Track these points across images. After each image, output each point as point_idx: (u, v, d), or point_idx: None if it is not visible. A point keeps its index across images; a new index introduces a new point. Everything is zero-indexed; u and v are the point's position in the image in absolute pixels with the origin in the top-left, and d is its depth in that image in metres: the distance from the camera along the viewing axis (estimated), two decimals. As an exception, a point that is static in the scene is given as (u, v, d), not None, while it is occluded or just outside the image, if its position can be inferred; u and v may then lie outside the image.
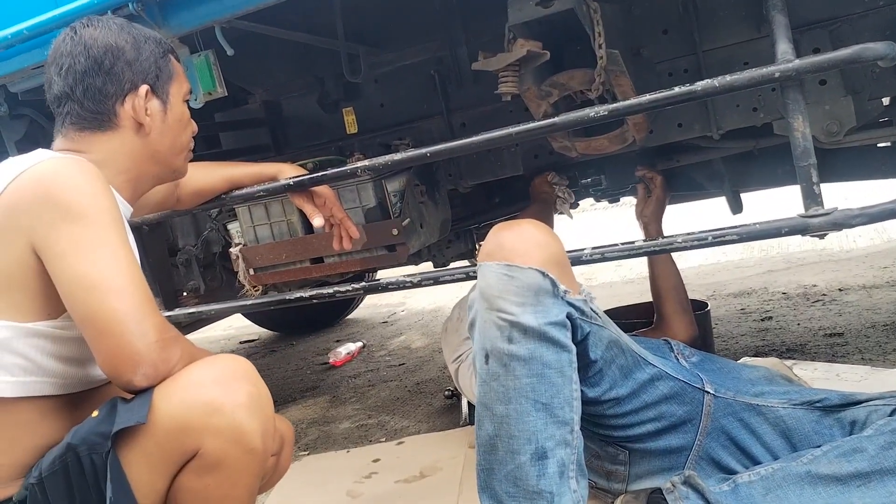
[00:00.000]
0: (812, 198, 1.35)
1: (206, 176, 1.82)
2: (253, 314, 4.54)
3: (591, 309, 1.37)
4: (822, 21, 1.88)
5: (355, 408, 2.88)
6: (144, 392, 1.17)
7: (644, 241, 1.51)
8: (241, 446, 1.18)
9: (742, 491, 1.31)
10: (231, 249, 2.23)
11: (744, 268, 3.92)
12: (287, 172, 1.80)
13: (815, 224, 1.33)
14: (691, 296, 2.48)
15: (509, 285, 1.28)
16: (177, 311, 2.06)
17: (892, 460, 1.26)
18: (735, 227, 1.39)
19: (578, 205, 2.71)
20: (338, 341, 3.99)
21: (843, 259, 3.65)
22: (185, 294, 2.76)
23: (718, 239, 1.40)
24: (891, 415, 1.38)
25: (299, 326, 4.51)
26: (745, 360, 2.25)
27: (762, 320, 2.92)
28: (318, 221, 1.76)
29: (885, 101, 2.32)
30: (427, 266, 2.81)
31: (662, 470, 1.50)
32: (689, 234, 1.44)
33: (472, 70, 2.32)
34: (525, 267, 1.28)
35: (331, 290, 1.80)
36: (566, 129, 1.53)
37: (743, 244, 4.34)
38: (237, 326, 5.04)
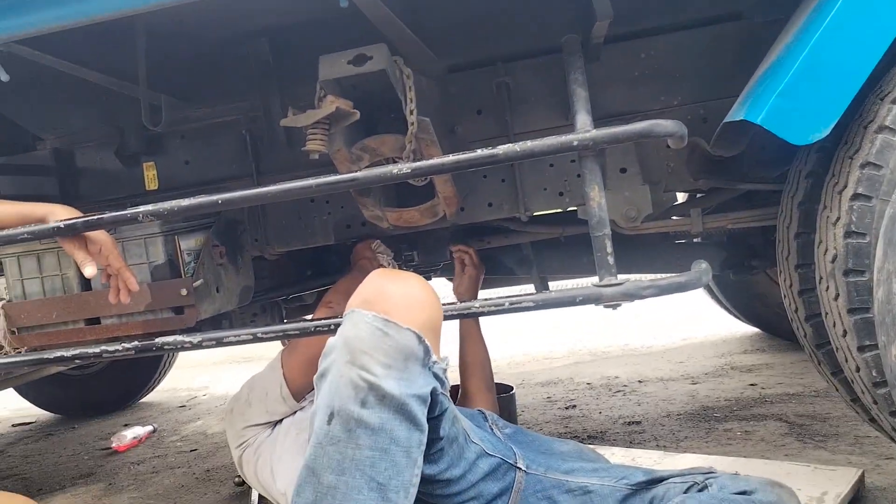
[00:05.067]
0: (606, 268, 1.36)
1: (-44, 213, 1.58)
2: (30, 392, 4.02)
3: (446, 379, 1.28)
4: (624, 114, 1.99)
5: (132, 496, 2.56)
6: None
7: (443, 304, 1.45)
8: None
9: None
10: (-7, 305, 1.95)
11: (553, 359, 3.99)
12: (59, 214, 1.60)
13: (607, 293, 1.33)
14: (500, 381, 2.46)
15: (381, 343, 1.16)
16: None
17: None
18: (531, 294, 1.36)
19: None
20: (126, 425, 3.60)
21: (644, 354, 3.80)
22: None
23: (515, 305, 1.37)
24: (685, 492, 1.39)
25: (83, 409, 4.03)
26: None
27: (567, 408, 2.94)
28: (89, 270, 1.56)
29: (681, 197, 2.49)
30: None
31: None
32: (486, 300, 1.40)
33: (286, 133, 2.25)
34: (404, 327, 1.17)
35: (97, 350, 1.59)
36: (368, 184, 1.47)
37: (552, 335, 4.46)
38: (12, 408, 4.46)
